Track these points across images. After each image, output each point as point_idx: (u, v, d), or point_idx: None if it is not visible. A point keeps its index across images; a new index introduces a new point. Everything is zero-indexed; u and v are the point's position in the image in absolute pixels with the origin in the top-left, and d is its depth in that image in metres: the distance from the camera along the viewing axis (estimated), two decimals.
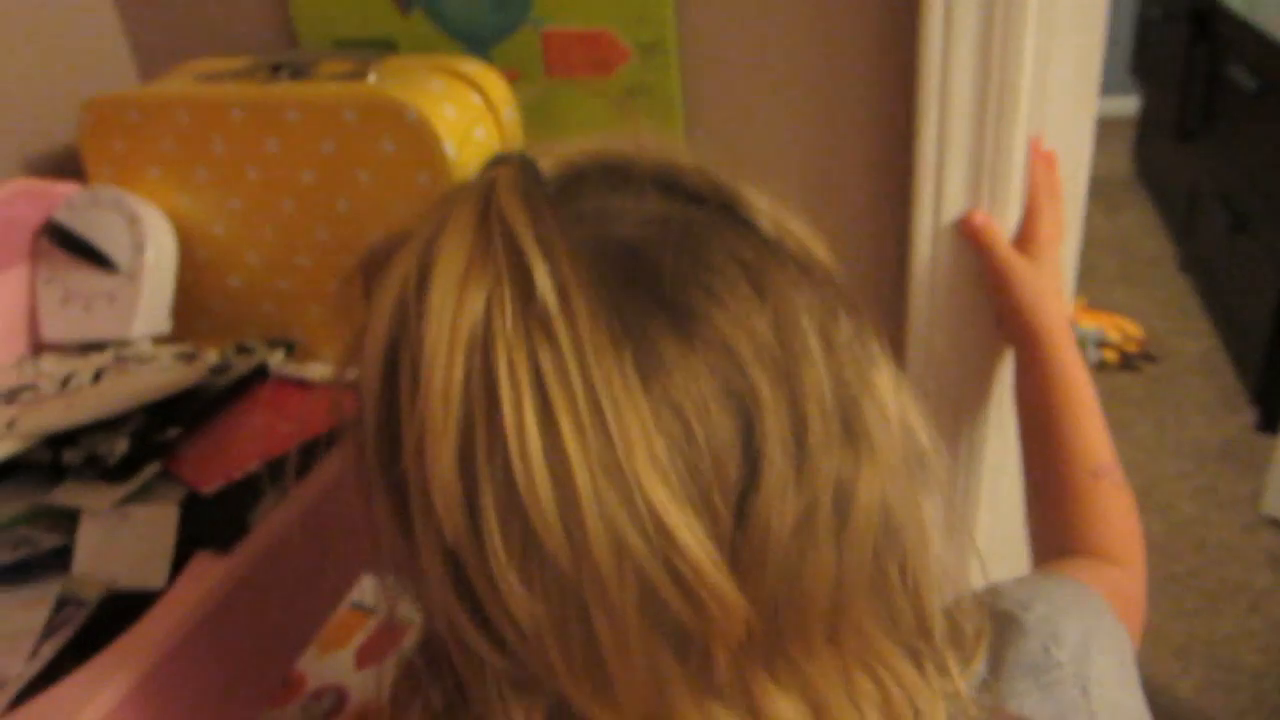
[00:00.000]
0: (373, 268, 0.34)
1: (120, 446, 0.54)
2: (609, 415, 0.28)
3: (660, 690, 0.31)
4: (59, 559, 0.51)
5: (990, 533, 0.75)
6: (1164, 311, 2.47)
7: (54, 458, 0.54)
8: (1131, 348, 2.32)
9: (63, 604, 0.49)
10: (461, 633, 0.31)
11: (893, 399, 0.35)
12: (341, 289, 0.39)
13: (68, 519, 0.53)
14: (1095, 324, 2.38)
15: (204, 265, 0.69)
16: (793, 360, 0.31)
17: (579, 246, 0.30)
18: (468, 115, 0.62)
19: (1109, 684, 0.44)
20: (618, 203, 0.33)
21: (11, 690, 0.44)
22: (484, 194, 0.30)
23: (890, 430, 0.34)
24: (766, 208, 0.34)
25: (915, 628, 0.36)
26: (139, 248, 0.64)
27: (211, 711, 0.51)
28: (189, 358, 0.62)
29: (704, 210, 0.34)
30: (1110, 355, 2.32)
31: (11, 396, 0.56)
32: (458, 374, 0.28)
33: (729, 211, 0.34)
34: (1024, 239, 0.65)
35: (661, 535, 0.29)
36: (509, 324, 0.28)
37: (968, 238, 0.64)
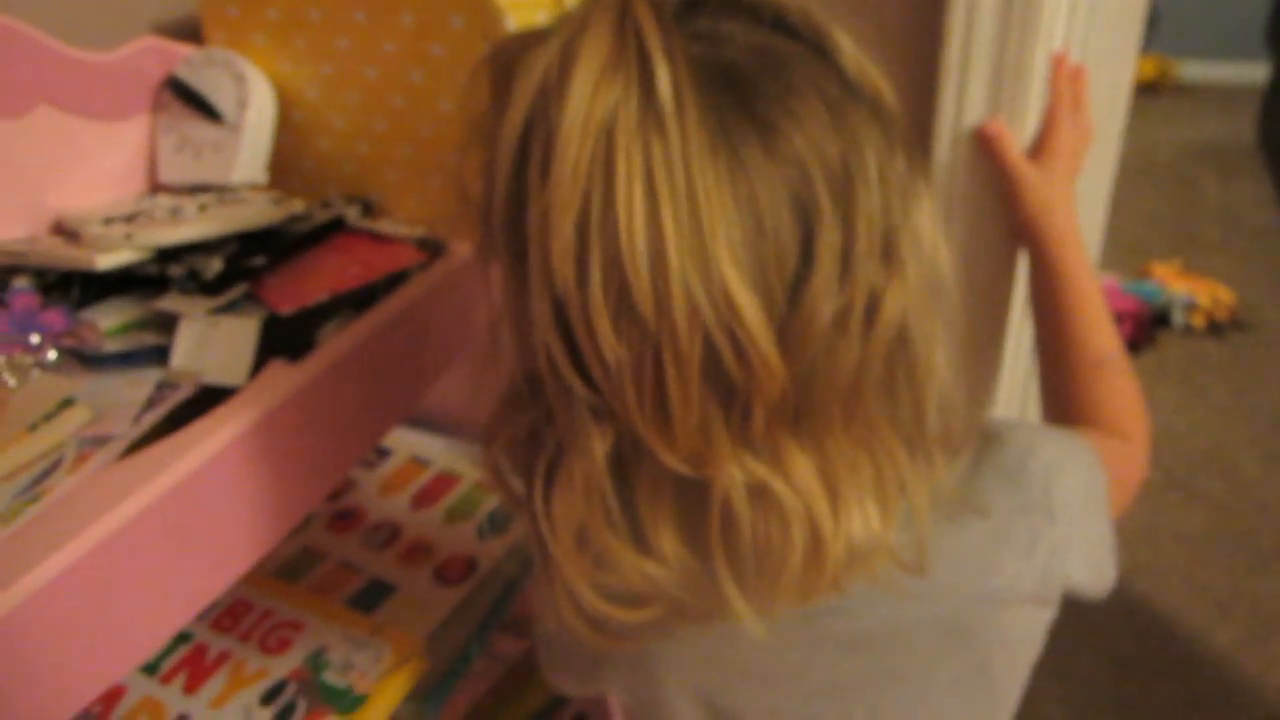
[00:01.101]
0: (503, 60, 0.41)
1: (216, 265, 0.63)
2: (700, 202, 0.35)
3: (707, 434, 0.39)
4: (160, 355, 0.61)
5: None
6: (1263, 282, 2.39)
7: (160, 270, 0.64)
8: (1221, 315, 2.26)
9: (161, 386, 0.58)
10: (557, 366, 0.39)
11: (928, 234, 0.42)
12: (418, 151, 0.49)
13: (171, 324, 0.63)
14: (1187, 288, 2.33)
15: (297, 126, 0.77)
16: (852, 184, 0.38)
17: (694, 59, 0.36)
18: None
19: (1073, 496, 0.51)
20: (728, 27, 0.39)
21: (119, 445, 0.54)
22: (623, 5, 0.37)
23: (920, 258, 0.41)
24: (851, 50, 0.41)
25: (913, 423, 0.43)
26: (243, 103, 0.72)
27: (283, 487, 0.61)
28: (279, 202, 0.70)
29: (800, 45, 0.40)
30: (1198, 320, 2.26)
31: (130, 218, 0.66)
32: (585, 155, 0.35)
33: (820, 49, 0.40)
34: (1038, 149, 0.68)
35: (728, 306, 0.36)
36: (632, 117, 0.35)
37: (981, 145, 0.68)
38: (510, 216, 0.39)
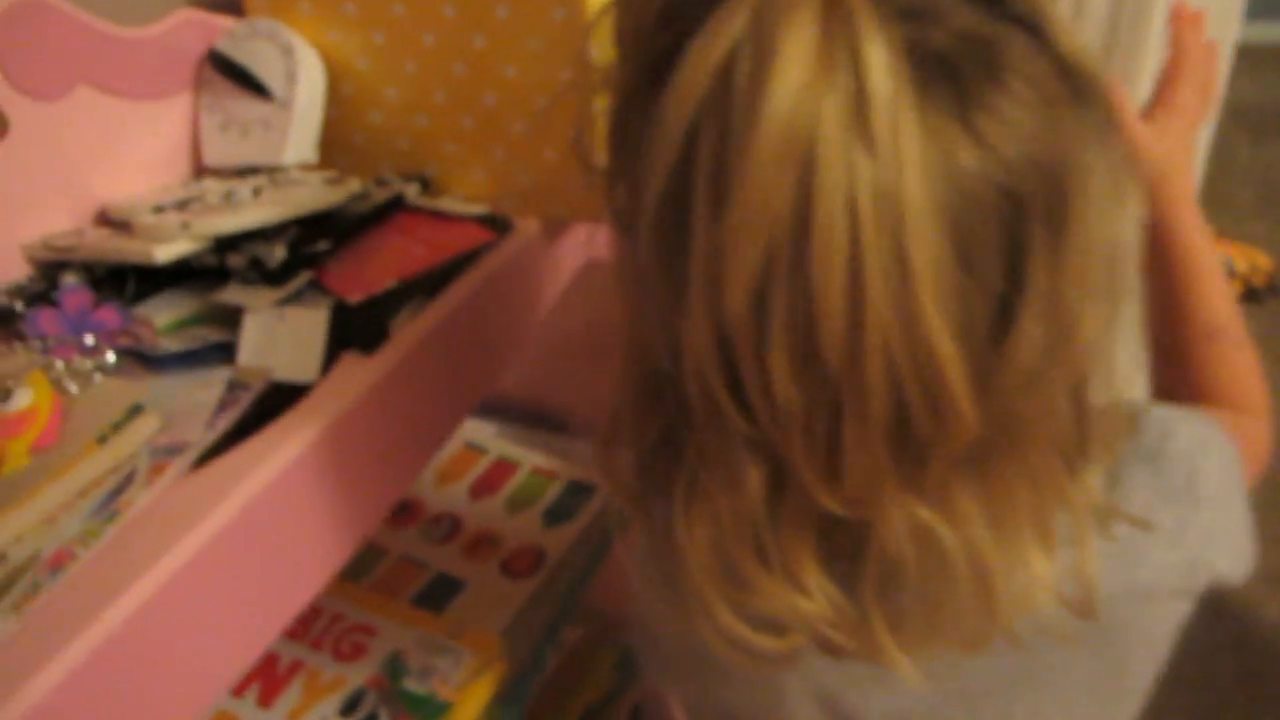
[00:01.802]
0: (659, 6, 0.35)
1: (279, 253, 0.58)
2: (909, 236, 0.29)
3: (875, 480, 0.34)
4: (225, 351, 0.57)
5: None
6: None
7: (220, 261, 0.59)
8: (1258, 280, 2.23)
9: (232, 387, 0.54)
10: (712, 393, 0.34)
11: (1131, 241, 0.37)
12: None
13: (232, 317, 0.59)
14: (1223, 253, 2.28)
15: (347, 99, 0.72)
16: (1068, 206, 0.33)
17: (906, 46, 0.30)
18: None
19: (1215, 479, 0.47)
20: (937, 3, 0.32)
21: (194, 453, 0.50)
22: None
23: (1118, 271, 0.36)
24: (1066, 33, 0.35)
25: (1073, 438, 0.39)
26: (292, 77, 0.68)
27: (362, 488, 0.57)
28: (335, 182, 0.66)
29: (1013, 27, 0.33)
30: (1234, 286, 2.22)
31: (183, 205, 0.61)
32: (783, 176, 0.29)
33: (1035, 32, 0.34)
34: (1155, 104, 0.63)
35: (929, 360, 0.31)
36: (839, 127, 0.29)
37: None
38: (666, 218, 0.34)
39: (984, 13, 0.32)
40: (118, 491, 0.48)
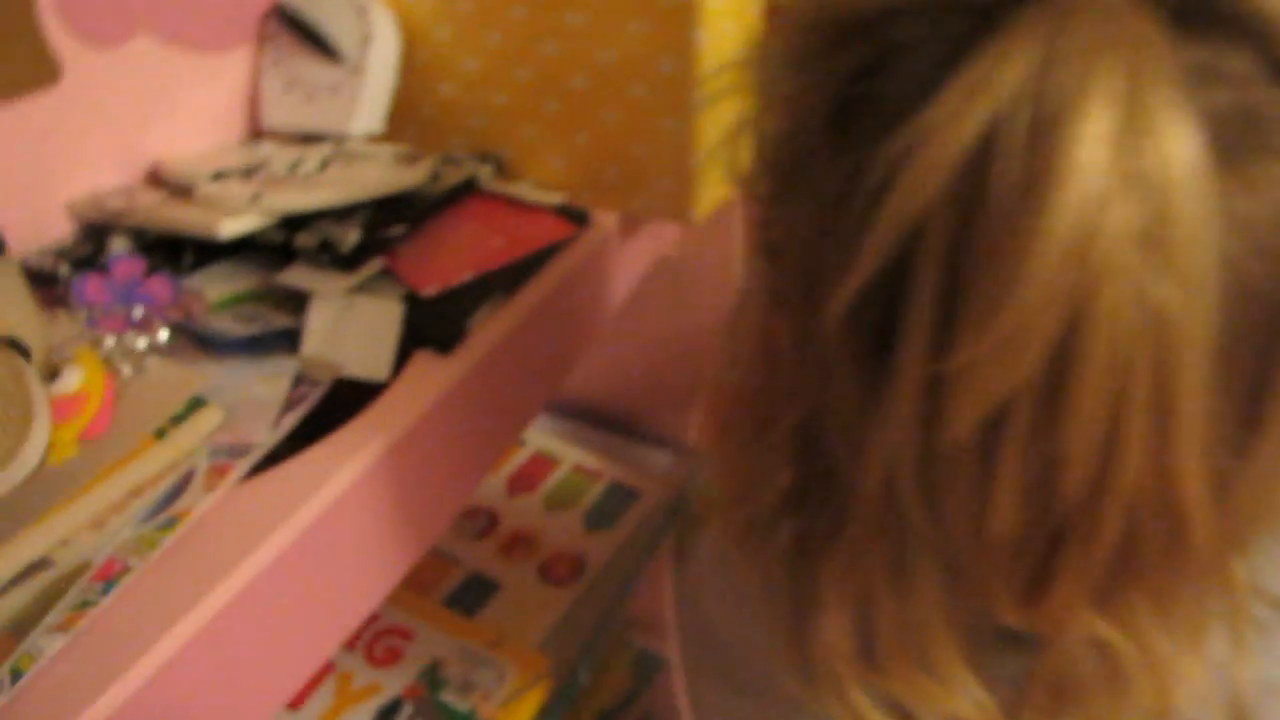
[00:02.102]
0: (872, 19, 0.28)
1: (353, 236, 0.54)
2: (1183, 367, 0.24)
3: (1075, 602, 0.30)
4: (287, 339, 0.52)
5: None
6: None
7: (286, 239, 0.54)
8: None
9: (298, 382, 0.49)
10: (901, 500, 0.29)
11: None
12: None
13: (293, 301, 0.54)
14: None
15: (421, 68, 0.67)
16: None
17: (1202, 115, 0.23)
18: None
19: None
20: (1232, 65, 0.25)
21: (258, 454, 0.45)
22: (1134, 40, 0.24)
23: None
24: None
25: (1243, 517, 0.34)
26: (366, 40, 0.62)
27: (432, 498, 0.53)
28: (411, 159, 0.61)
29: None
30: None
31: (247, 174, 0.56)
32: (1048, 309, 0.23)
33: None
34: None
35: (1174, 493, 0.27)
36: (1132, 252, 0.23)
37: None
38: (868, 318, 0.28)
39: (1272, 82, 0.26)
40: (175, 494, 0.43)
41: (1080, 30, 0.24)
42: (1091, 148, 0.23)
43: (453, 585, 0.77)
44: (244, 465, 0.45)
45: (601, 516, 0.84)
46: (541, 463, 0.89)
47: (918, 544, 0.31)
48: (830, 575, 0.35)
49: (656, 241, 0.75)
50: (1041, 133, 0.23)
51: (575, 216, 0.64)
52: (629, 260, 0.71)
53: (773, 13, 0.35)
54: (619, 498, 0.86)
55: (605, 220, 0.66)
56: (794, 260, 0.33)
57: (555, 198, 0.66)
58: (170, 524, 0.42)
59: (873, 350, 0.29)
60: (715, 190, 0.68)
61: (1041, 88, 0.23)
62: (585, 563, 0.79)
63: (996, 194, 0.24)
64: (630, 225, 0.69)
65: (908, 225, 0.25)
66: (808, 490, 0.36)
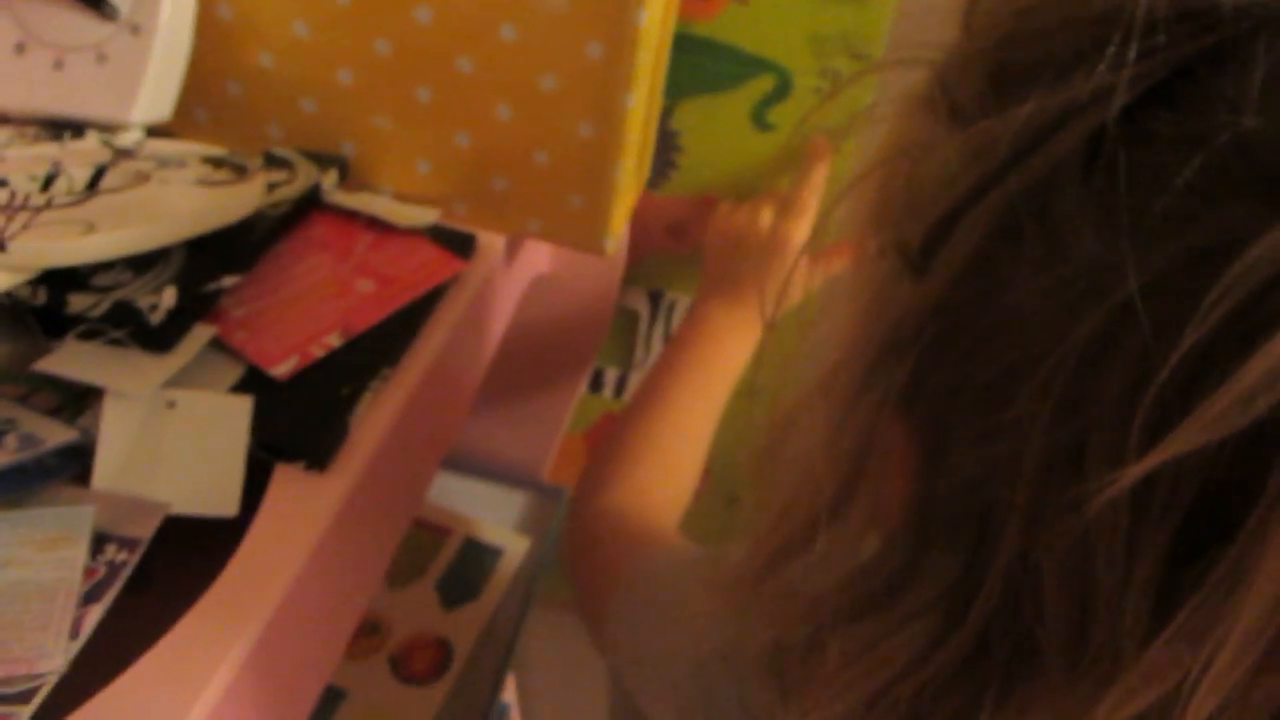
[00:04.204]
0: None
1: (167, 297, 0.36)
2: None
3: None
4: (69, 464, 0.34)
5: None
6: None
7: (52, 300, 0.35)
8: None
9: (99, 542, 0.32)
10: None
11: None
12: None
13: (73, 399, 0.36)
14: None
15: (225, 31, 0.48)
16: None
17: None
18: None
19: None
20: None
21: (45, 690, 0.28)
22: None
23: None
24: None
25: None
26: None
27: (307, 677, 0.37)
28: (233, 168, 0.42)
29: None
30: None
31: None
32: None
33: None
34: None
35: None
36: None
37: None
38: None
39: None
40: None
41: None
42: None
43: None
44: (25, 715, 0.27)
45: (459, 585, 0.69)
46: None
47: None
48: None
49: (532, 260, 0.60)
50: None
51: (459, 244, 0.49)
52: (513, 289, 0.57)
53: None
54: (477, 558, 0.71)
55: (492, 245, 0.51)
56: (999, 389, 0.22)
57: (429, 216, 0.50)
58: None
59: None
60: (625, 210, 0.55)
61: None
62: (451, 650, 0.65)
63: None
64: (515, 247, 0.55)
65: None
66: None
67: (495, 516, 0.75)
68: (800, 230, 0.57)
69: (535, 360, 0.74)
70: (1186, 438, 0.18)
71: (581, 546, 0.48)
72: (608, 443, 0.53)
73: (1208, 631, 0.19)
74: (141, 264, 0.37)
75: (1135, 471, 0.19)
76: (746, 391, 0.67)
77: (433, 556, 0.71)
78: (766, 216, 0.59)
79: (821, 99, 0.59)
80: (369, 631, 0.65)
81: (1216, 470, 0.19)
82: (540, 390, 0.76)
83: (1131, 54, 0.20)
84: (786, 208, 0.58)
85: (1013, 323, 0.22)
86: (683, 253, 0.69)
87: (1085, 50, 0.20)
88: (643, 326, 0.74)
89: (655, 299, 0.72)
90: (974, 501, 0.24)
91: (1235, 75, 0.19)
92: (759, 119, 0.61)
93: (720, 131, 0.62)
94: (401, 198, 0.51)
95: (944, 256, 0.23)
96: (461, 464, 0.79)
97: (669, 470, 0.51)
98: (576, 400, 0.78)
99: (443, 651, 0.64)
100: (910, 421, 0.25)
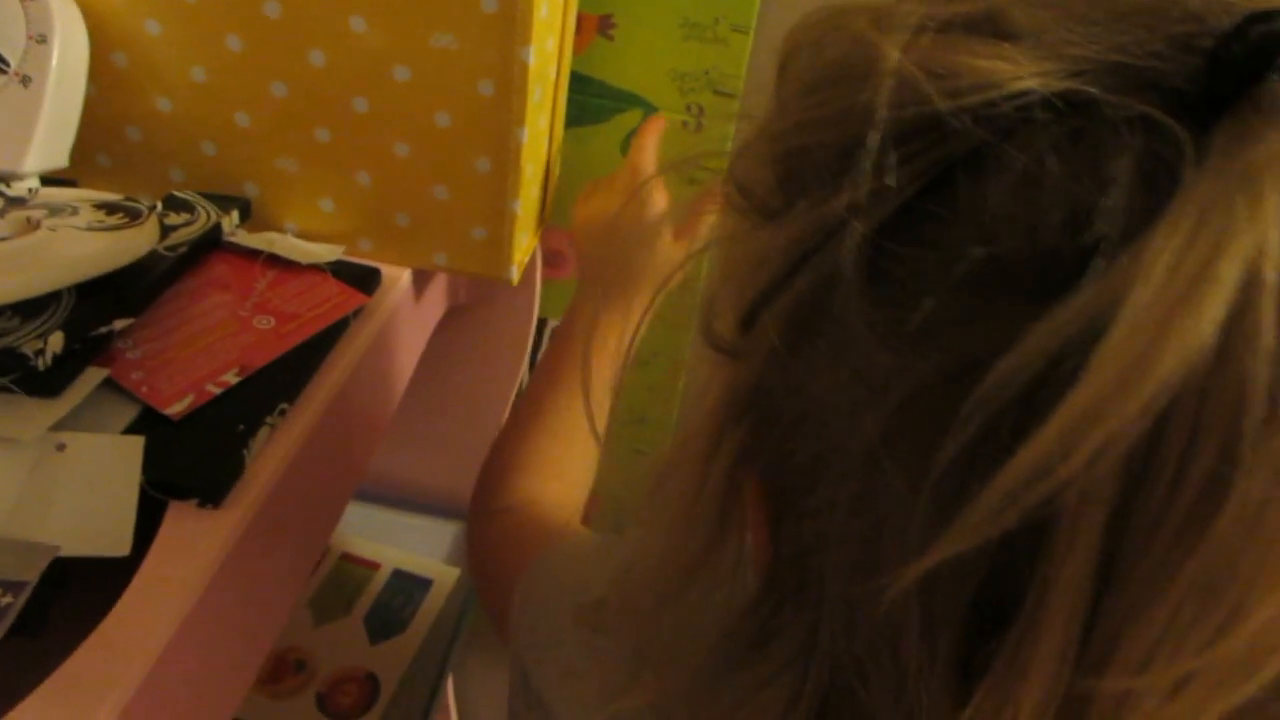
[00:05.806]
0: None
1: (53, 342, 0.36)
2: None
3: None
4: None
5: None
6: None
7: None
8: None
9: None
10: None
11: None
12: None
13: None
14: None
15: (122, 78, 0.49)
16: None
17: None
18: None
19: None
20: None
21: None
22: None
23: None
24: None
25: None
26: (40, 37, 0.43)
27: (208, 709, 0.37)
28: (126, 212, 0.43)
29: None
30: None
31: None
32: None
33: None
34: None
35: None
36: None
37: None
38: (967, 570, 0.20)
39: None
40: None
41: None
42: None
43: None
44: None
45: (387, 620, 0.69)
46: None
47: None
48: None
49: (445, 291, 0.61)
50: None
51: (362, 279, 0.50)
52: (422, 321, 0.58)
53: (785, 71, 0.24)
54: (406, 590, 0.71)
55: (398, 279, 0.52)
56: (819, 467, 0.23)
57: (333, 253, 0.50)
58: None
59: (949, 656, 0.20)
60: (530, 239, 0.56)
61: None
62: (378, 684, 0.65)
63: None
64: (423, 281, 0.56)
65: (1145, 405, 0.16)
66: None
67: (425, 548, 0.76)
68: (657, 202, 0.56)
69: (458, 390, 0.75)
70: (954, 542, 0.18)
71: (483, 560, 0.48)
72: (495, 454, 0.53)
73: (1002, 709, 0.19)
74: (30, 310, 0.37)
75: (914, 571, 0.19)
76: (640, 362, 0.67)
77: (360, 591, 0.71)
78: (620, 193, 0.57)
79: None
80: (295, 669, 0.65)
81: (996, 560, 0.19)
82: (466, 419, 0.76)
83: (892, 159, 0.20)
84: (633, 176, 0.57)
85: (815, 413, 0.22)
86: (562, 278, 0.70)
87: (853, 153, 0.20)
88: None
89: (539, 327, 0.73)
90: (805, 571, 0.24)
91: (990, 183, 0.19)
92: (628, 150, 0.62)
93: (592, 162, 0.63)
94: (307, 236, 0.52)
95: (750, 345, 0.24)
96: (390, 496, 0.79)
97: (560, 477, 0.51)
98: (502, 426, 0.79)
99: (370, 685, 0.64)
100: (759, 483, 0.26)
